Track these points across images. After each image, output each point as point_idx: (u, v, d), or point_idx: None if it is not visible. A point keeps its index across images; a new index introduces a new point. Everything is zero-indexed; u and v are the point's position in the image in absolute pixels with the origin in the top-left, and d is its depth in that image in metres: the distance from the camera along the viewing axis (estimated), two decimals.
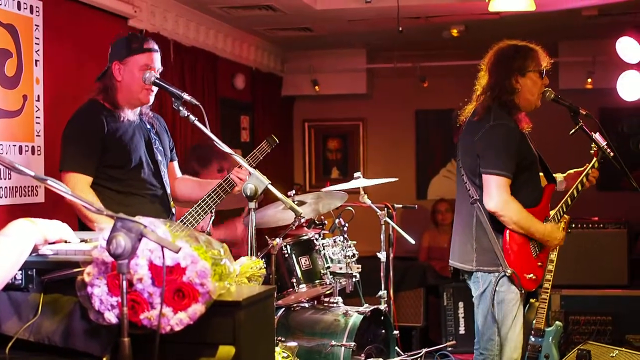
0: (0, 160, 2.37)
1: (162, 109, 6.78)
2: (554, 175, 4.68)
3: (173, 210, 4.44)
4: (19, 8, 4.99)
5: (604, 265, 7.11)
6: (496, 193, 4.21)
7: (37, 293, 2.57)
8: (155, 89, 4.24)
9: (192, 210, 4.38)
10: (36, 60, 5.16)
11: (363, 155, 10.43)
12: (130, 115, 4.29)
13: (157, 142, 4.43)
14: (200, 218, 4.40)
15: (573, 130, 4.58)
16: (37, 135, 5.15)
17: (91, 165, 4.16)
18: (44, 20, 5.22)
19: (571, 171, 4.76)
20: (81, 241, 2.62)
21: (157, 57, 4.29)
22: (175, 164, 4.69)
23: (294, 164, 10.54)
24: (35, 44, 5.15)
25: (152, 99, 4.31)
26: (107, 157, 4.20)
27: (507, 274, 4.26)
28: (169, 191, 4.45)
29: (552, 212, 4.51)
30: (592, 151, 4.69)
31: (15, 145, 4.96)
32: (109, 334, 2.46)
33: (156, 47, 4.33)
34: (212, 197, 4.42)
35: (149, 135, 4.39)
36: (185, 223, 4.30)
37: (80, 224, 4.15)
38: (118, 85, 4.25)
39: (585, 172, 4.65)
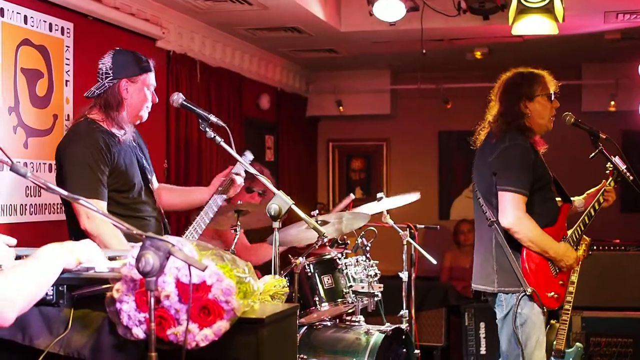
0: (35, 180, 2.46)
1: (187, 130, 6.89)
2: (572, 198, 4.72)
3: (168, 227, 4.40)
4: (50, 29, 5.11)
5: (626, 288, 7.08)
6: (511, 210, 4.26)
7: (67, 308, 2.64)
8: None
9: (198, 218, 4.36)
10: (66, 81, 5.27)
11: (386, 175, 10.48)
12: (127, 135, 4.15)
13: (143, 159, 4.31)
14: (204, 224, 4.35)
15: (593, 154, 4.63)
16: None
17: (103, 190, 4.00)
18: (75, 41, 5.34)
19: (590, 191, 4.80)
20: (109, 259, 2.69)
21: (154, 76, 4.25)
22: (154, 176, 4.52)
23: (317, 183, 10.60)
24: (66, 64, 5.27)
25: (147, 117, 4.24)
26: (113, 183, 4.06)
27: (527, 293, 4.30)
28: (160, 208, 4.37)
29: (569, 232, 4.55)
30: (608, 171, 4.75)
31: (45, 164, 5.06)
32: (137, 349, 2.53)
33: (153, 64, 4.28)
34: (211, 203, 4.38)
35: (137, 155, 4.26)
36: (194, 231, 4.31)
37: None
38: (124, 104, 4.11)
39: (602, 191, 4.69)
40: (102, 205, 3.97)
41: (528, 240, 4.31)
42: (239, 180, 4.40)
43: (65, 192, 2.46)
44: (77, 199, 2.44)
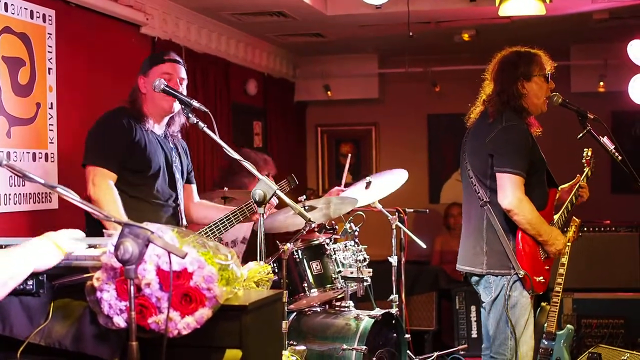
0: (11, 168, 2.42)
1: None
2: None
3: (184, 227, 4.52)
4: (31, 17, 5.05)
5: (616, 269, 7.09)
6: (511, 191, 4.23)
7: (47, 298, 2.61)
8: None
9: (207, 227, 4.46)
10: (49, 69, 5.21)
11: (375, 159, 10.45)
12: (157, 128, 4.44)
13: (177, 160, 4.53)
14: (213, 235, 4.47)
15: (581, 135, 4.61)
16: (50, 143, 5.21)
17: (115, 163, 4.24)
18: (57, 28, 5.28)
19: (564, 186, 4.77)
20: (90, 247, 2.66)
21: (179, 67, 4.43)
22: (194, 187, 4.79)
23: (306, 168, 10.56)
24: (48, 52, 5.21)
25: (176, 107, 4.37)
26: (128, 161, 4.27)
27: (519, 276, 4.28)
28: (182, 207, 4.53)
29: (555, 217, 4.54)
30: (584, 160, 4.73)
31: (29, 153, 5.01)
32: (118, 338, 2.50)
33: (178, 58, 4.48)
34: (230, 218, 4.52)
35: (170, 152, 4.49)
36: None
37: (88, 228, 4.18)
38: (143, 98, 4.41)
39: (577, 186, 4.68)
40: (107, 174, 4.20)
41: (526, 223, 4.28)
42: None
43: (42, 181, 2.42)
44: (54, 186, 2.39)
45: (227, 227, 4.52)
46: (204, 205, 4.81)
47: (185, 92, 4.36)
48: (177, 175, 4.49)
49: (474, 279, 4.51)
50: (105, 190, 4.14)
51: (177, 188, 4.48)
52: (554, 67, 4.49)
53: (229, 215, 4.51)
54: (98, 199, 4.13)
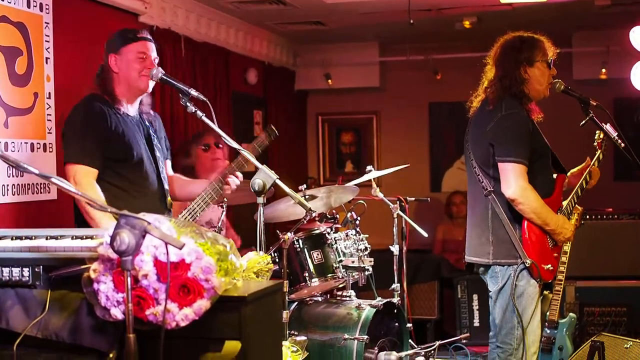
0: (5, 159, 2.39)
1: (173, 108, 6.81)
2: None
3: (170, 207, 4.40)
4: (28, 6, 5.00)
5: (619, 257, 7.05)
6: (514, 180, 4.19)
7: (44, 290, 2.59)
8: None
9: (189, 207, 4.33)
10: (46, 58, 5.17)
11: (377, 148, 10.41)
12: (130, 109, 4.25)
13: (155, 139, 4.37)
14: (196, 215, 4.33)
15: (584, 122, 4.56)
16: (48, 133, 5.17)
17: (97, 158, 4.06)
18: (54, 17, 5.23)
19: (574, 170, 4.72)
20: (75, 238, 2.62)
21: (151, 46, 4.26)
22: (169, 162, 4.61)
23: (307, 157, 10.53)
24: (46, 41, 5.16)
25: (151, 86, 4.24)
26: (109, 150, 4.09)
27: (527, 265, 4.24)
28: (167, 187, 4.39)
29: (564, 203, 4.49)
30: (595, 143, 4.68)
31: (27, 143, 4.98)
32: (116, 330, 2.48)
33: (150, 37, 4.32)
34: (204, 197, 4.35)
35: (148, 132, 4.33)
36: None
37: (77, 222, 4.13)
38: (116, 78, 4.21)
39: (588, 169, 4.63)
40: (90, 171, 4.04)
41: (531, 212, 4.23)
42: (233, 182, 4.35)
43: (36, 171, 2.39)
44: (49, 177, 2.36)
45: (207, 201, 4.35)
46: (182, 181, 4.63)
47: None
48: (158, 154, 4.34)
49: (481, 269, 4.48)
50: (87, 189, 3.94)
51: (161, 171, 4.33)
52: (556, 53, 4.45)
53: (202, 195, 4.34)
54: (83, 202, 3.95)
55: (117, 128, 4.12)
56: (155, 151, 4.32)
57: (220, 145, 5.78)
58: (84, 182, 3.98)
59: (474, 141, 4.46)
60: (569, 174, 4.66)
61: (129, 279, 2.23)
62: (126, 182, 4.16)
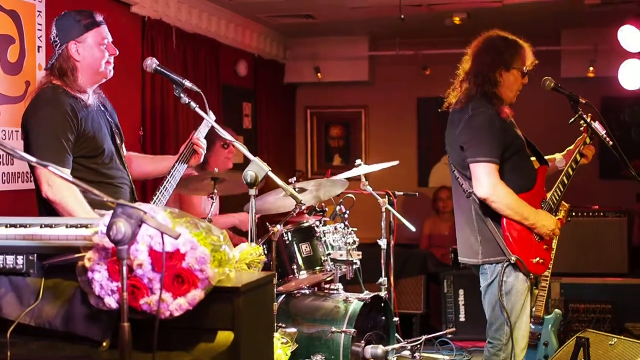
0: (2, 146, 2.39)
1: (163, 97, 6.81)
2: (554, 154, 4.68)
3: (135, 194, 4.22)
4: None
5: (604, 254, 7.11)
6: (485, 179, 4.18)
7: (38, 278, 2.59)
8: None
9: (161, 187, 4.13)
10: (39, 47, 5.17)
11: (365, 142, 10.44)
12: (91, 99, 3.97)
13: (114, 125, 4.13)
14: (167, 194, 4.13)
15: (572, 119, 4.59)
16: None
17: (67, 156, 3.80)
18: (47, 6, 5.23)
19: (570, 147, 4.73)
20: (70, 227, 2.62)
21: (107, 29, 4.02)
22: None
23: (295, 150, 10.55)
24: (38, 30, 5.17)
25: (112, 72, 4.05)
26: (78, 148, 3.86)
27: (511, 262, 4.26)
28: (129, 175, 4.19)
29: (548, 194, 4.50)
30: (582, 128, 4.69)
31: (17, 131, 4.97)
32: (109, 318, 2.48)
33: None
34: (173, 171, 4.19)
35: (107, 120, 4.10)
36: (157, 200, 4.14)
37: (40, 209, 3.90)
38: (78, 66, 3.92)
39: (578, 149, 4.63)
40: (66, 172, 3.69)
41: (506, 208, 4.24)
42: (201, 150, 4.24)
43: (33, 159, 2.40)
44: (46, 164, 2.37)
45: (175, 175, 4.17)
46: (135, 158, 4.42)
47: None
48: (119, 142, 4.14)
49: (474, 267, 4.49)
50: (64, 190, 3.69)
51: (123, 159, 4.14)
52: (534, 64, 4.44)
53: (170, 170, 4.19)
54: (58, 200, 3.70)
55: (86, 125, 3.88)
56: (117, 139, 4.12)
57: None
58: (59, 182, 3.71)
59: (449, 144, 4.48)
60: (565, 151, 4.69)
61: (124, 268, 2.24)
62: (97, 176, 3.95)
